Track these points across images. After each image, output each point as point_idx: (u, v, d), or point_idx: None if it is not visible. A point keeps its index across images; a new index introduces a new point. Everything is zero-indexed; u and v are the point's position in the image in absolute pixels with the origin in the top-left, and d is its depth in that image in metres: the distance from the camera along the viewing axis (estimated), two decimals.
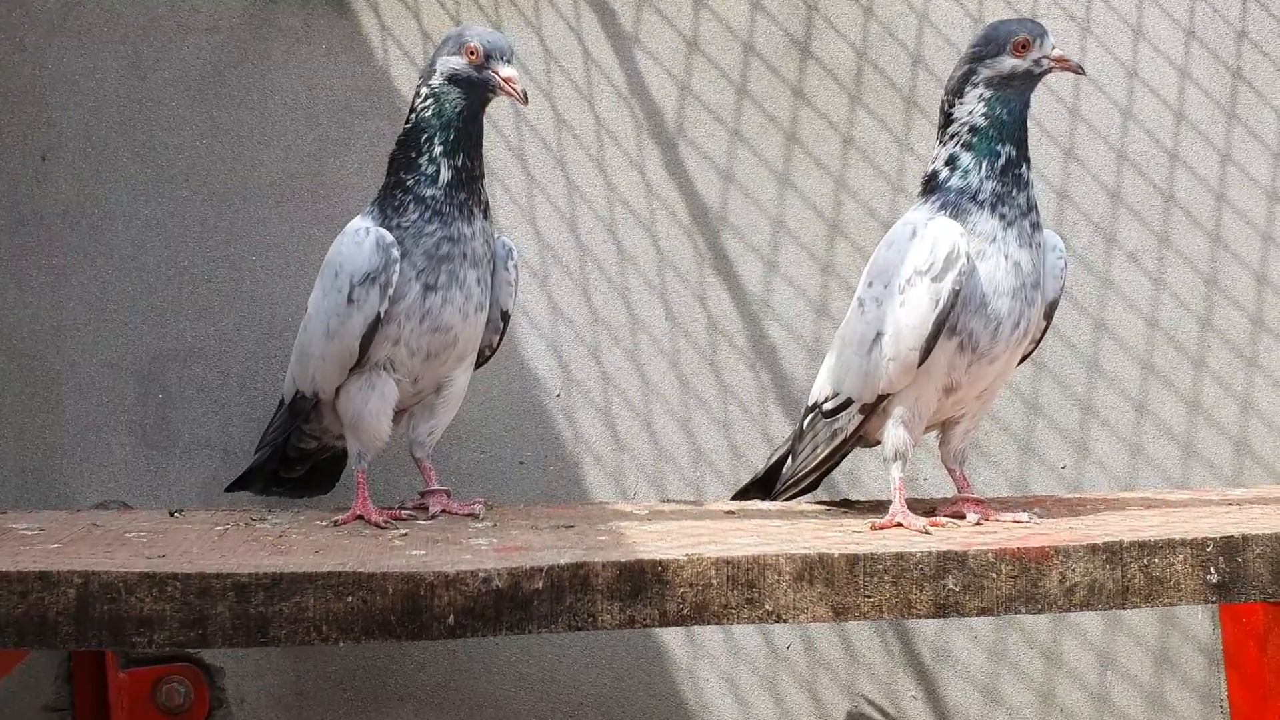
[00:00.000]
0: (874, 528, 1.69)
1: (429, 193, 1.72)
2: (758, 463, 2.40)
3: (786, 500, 1.96)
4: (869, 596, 1.48)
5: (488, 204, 1.78)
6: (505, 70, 1.71)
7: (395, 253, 1.70)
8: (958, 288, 1.69)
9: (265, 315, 2.33)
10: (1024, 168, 1.77)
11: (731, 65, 2.42)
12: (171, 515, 1.86)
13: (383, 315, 1.71)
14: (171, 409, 2.31)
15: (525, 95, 1.72)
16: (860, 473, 2.38)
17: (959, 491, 1.86)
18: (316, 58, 2.35)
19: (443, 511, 1.84)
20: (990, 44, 1.76)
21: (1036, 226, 1.78)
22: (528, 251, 2.37)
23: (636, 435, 2.36)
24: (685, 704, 2.36)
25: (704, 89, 2.42)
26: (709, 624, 1.46)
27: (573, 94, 2.39)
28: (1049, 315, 1.86)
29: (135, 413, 2.31)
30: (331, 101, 2.35)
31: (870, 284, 1.79)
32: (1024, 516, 1.77)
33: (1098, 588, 1.51)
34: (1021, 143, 1.77)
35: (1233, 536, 1.53)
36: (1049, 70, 1.76)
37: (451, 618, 1.42)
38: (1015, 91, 1.76)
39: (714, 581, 1.46)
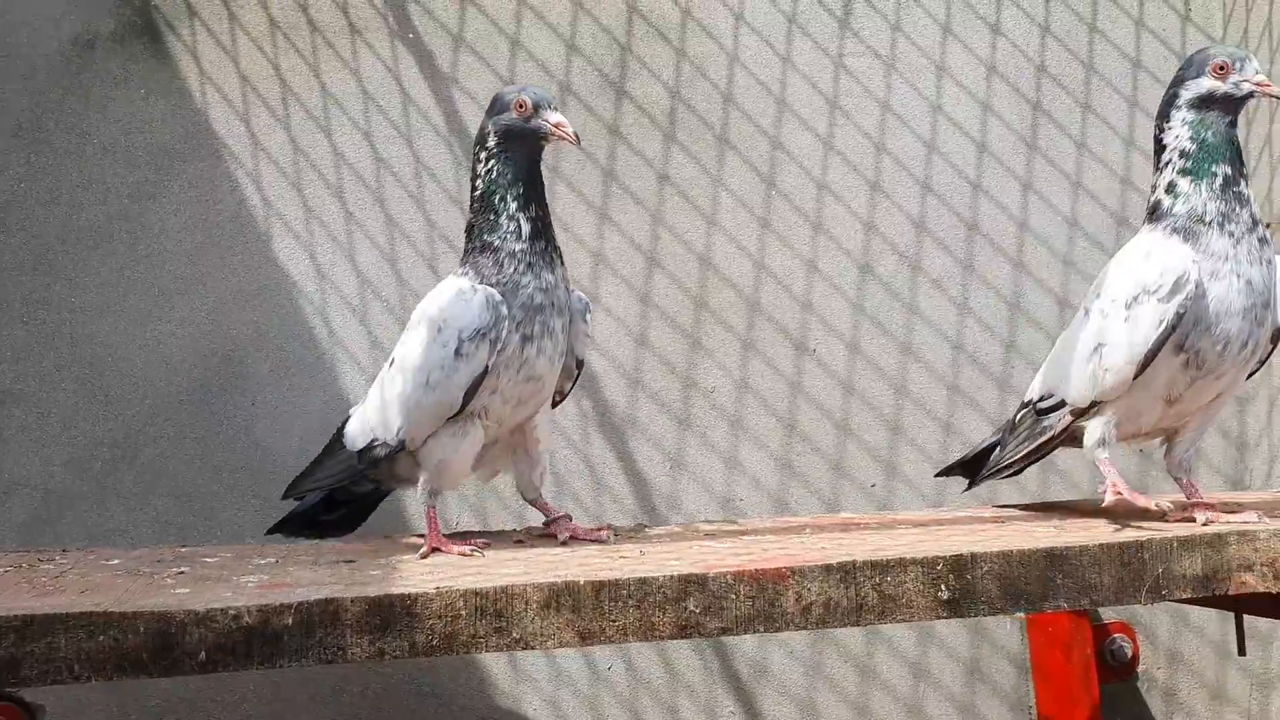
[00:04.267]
0: (1108, 495, 1.77)
1: (517, 247, 1.80)
2: (581, 490, 2.47)
3: (987, 481, 2.05)
4: (614, 621, 1.54)
5: (560, 249, 1.85)
6: (554, 117, 1.81)
7: (504, 310, 1.77)
8: (1183, 311, 1.74)
9: (86, 356, 2.35)
10: (1242, 185, 1.80)
11: None
12: None
13: (489, 368, 1.78)
14: None
15: (577, 137, 1.82)
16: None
17: (1187, 498, 1.86)
18: (135, 102, 2.39)
19: (571, 537, 1.88)
20: (1191, 66, 1.82)
21: (1264, 242, 1.80)
22: (347, 288, 2.43)
23: None
24: None
25: None
26: (458, 654, 1.52)
27: (391, 133, 2.46)
28: (1275, 339, 1.85)
29: None
30: (150, 145, 2.39)
31: (1098, 296, 1.84)
32: (1253, 517, 1.78)
33: (833, 606, 1.59)
34: (1236, 161, 1.80)
35: (962, 555, 1.62)
36: (1250, 94, 1.79)
37: (203, 654, 1.46)
38: (1217, 113, 1.80)
39: (463, 612, 1.51)
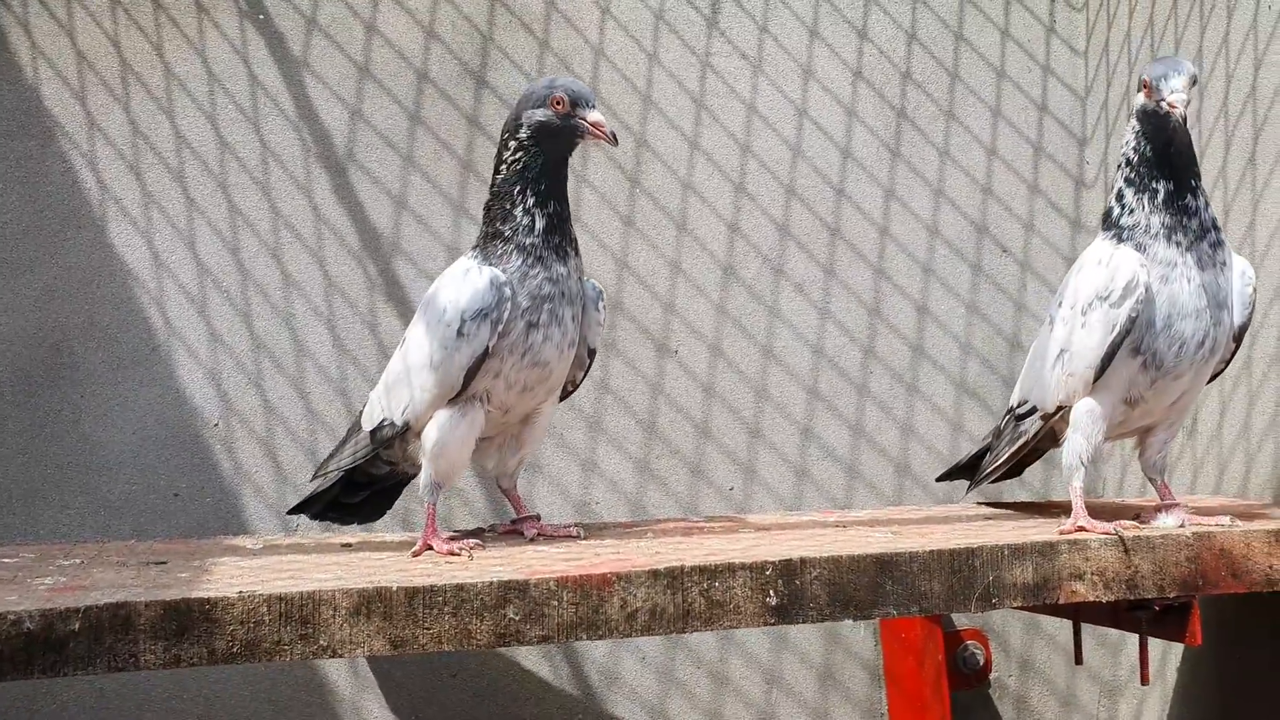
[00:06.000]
0: (1061, 533, 1.76)
1: (528, 241, 1.79)
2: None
3: (986, 485, 2.12)
4: (428, 628, 1.48)
5: (576, 240, 1.85)
6: (592, 116, 1.79)
7: (507, 291, 1.77)
8: (1135, 314, 1.79)
9: None
10: (1189, 197, 1.81)
11: (405, 92, 2.42)
12: None
13: (490, 349, 1.76)
14: None
15: (614, 137, 1.80)
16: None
17: (1161, 499, 1.90)
18: None
19: (538, 535, 1.88)
20: (1138, 80, 1.84)
21: (1217, 245, 1.83)
22: (186, 278, 2.32)
23: (300, 467, 2.33)
24: None
25: (376, 115, 2.41)
26: (261, 661, 1.44)
27: (237, 116, 2.36)
28: (1238, 339, 1.90)
29: None
30: None
31: (1060, 304, 1.90)
32: (1225, 521, 1.82)
33: (659, 612, 1.55)
34: (1179, 175, 1.80)
35: (791, 560, 1.59)
36: (1166, 113, 1.77)
37: None
38: (1154, 127, 1.81)
39: (266, 618, 1.44)
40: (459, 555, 1.72)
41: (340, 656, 1.46)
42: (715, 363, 2.53)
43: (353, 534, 2.03)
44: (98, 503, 2.24)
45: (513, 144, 1.82)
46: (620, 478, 2.47)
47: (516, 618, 1.51)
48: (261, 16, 2.37)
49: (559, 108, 1.79)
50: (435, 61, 2.44)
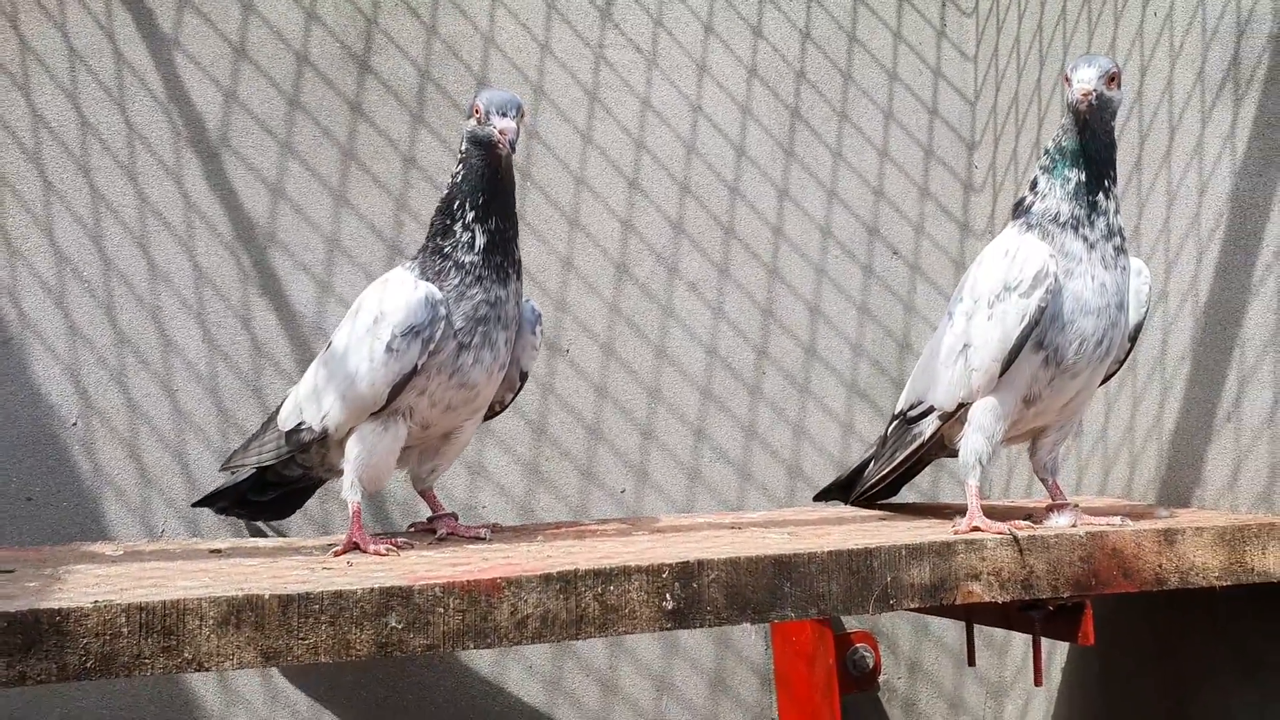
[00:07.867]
0: (956, 533, 1.73)
1: (468, 259, 1.75)
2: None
3: (865, 501, 2.06)
4: (303, 639, 1.39)
5: (520, 263, 1.81)
6: (500, 123, 1.73)
7: (442, 310, 1.73)
8: (1044, 304, 1.76)
9: None
10: (1100, 195, 1.79)
11: (283, 75, 2.31)
12: None
13: (419, 368, 1.72)
14: None
15: (511, 146, 1.72)
16: None
17: (1053, 499, 1.88)
18: None
19: (450, 534, 1.86)
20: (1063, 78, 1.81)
21: (1121, 251, 1.82)
22: (43, 266, 2.16)
23: (167, 469, 2.19)
24: None
25: (252, 98, 2.29)
26: (119, 676, 1.33)
27: (101, 96, 2.21)
28: (1133, 338, 1.90)
29: None
30: None
31: (961, 299, 1.86)
32: (1116, 521, 1.80)
33: (551, 618, 1.48)
34: (1094, 170, 1.78)
35: (689, 562, 1.54)
36: (1072, 103, 1.76)
37: None
38: (1070, 119, 1.80)
39: (124, 630, 1.33)
40: (386, 555, 1.67)
41: (207, 670, 1.36)
42: (608, 362, 2.47)
43: (222, 540, 1.91)
44: None
45: (459, 156, 1.79)
46: (508, 480, 2.39)
47: (399, 626, 1.42)
48: None
49: (478, 115, 1.76)
50: (316, 43, 2.33)
